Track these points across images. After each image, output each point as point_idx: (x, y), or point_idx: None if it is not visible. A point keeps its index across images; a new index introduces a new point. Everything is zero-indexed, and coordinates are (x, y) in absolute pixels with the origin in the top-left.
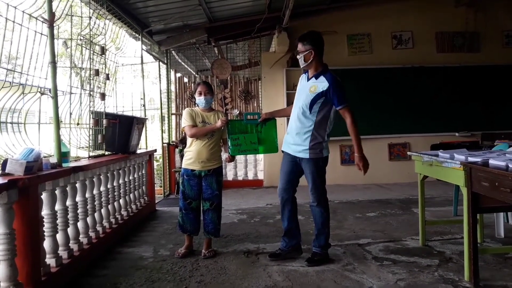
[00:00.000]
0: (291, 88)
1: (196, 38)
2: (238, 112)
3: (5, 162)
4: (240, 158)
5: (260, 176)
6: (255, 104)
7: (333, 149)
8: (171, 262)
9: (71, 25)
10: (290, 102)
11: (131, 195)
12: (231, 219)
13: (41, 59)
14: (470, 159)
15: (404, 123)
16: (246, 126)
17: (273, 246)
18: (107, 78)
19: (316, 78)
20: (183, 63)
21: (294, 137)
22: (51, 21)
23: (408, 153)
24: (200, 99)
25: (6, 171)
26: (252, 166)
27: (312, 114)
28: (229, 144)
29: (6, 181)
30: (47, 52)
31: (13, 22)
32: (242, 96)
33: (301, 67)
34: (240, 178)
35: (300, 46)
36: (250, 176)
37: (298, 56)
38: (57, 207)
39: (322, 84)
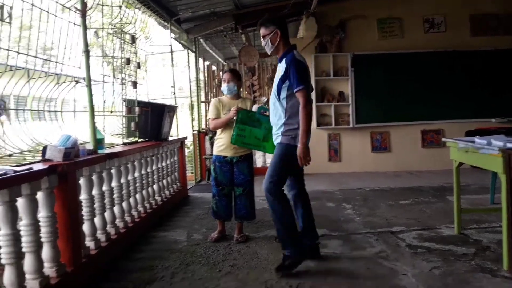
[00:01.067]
0: (319, 74)
1: (224, 25)
2: (266, 99)
3: (45, 148)
4: None
5: None
6: None
7: (364, 136)
8: (204, 246)
9: (102, 15)
10: (318, 88)
11: (164, 181)
12: (261, 205)
13: (74, 49)
14: (509, 145)
15: (437, 109)
16: (257, 120)
17: None
18: (138, 66)
19: (280, 61)
20: (211, 51)
21: (274, 127)
22: (83, 10)
23: (443, 139)
24: (223, 87)
25: (46, 157)
26: None
27: (282, 101)
28: (234, 132)
29: (46, 166)
30: (80, 42)
31: (48, 12)
32: (270, 83)
33: (269, 53)
34: (258, 165)
35: (263, 31)
36: None
37: (263, 43)
38: (94, 192)
39: (282, 66)
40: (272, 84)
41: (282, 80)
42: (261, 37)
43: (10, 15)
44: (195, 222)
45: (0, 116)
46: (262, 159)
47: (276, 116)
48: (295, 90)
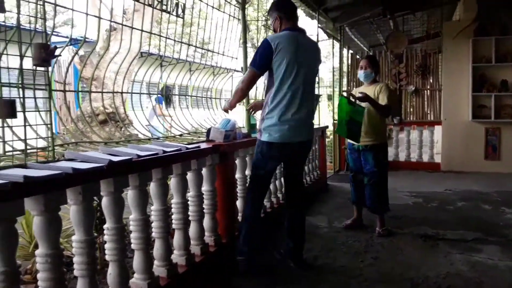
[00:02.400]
0: (478, 60)
1: (371, 11)
2: (413, 88)
3: (209, 130)
4: (414, 139)
5: (437, 159)
6: (433, 80)
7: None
8: (345, 235)
9: (258, 8)
10: (476, 76)
11: (306, 168)
12: (405, 201)
13: (228, 42)
14: None
15: None
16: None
17: (455, 234)
18: None
19: None
20: (355, 39)
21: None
22: (243, 3)
23: None
24: (359, 73)
25: (210, 138)
26: (428, 148)
27: (267, 90)
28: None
29: (210, 146)
30: (237, 35)
31: (212, 7)
32: (419, 71)
33: None
34: (413, 159)
35: (270, 20)
36: (425, 159)
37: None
38: (247, 172)
39: None
40: (422, 72)
41: None
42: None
43: (183, 11)
44: (335, 210)
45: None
46: (406, 152)
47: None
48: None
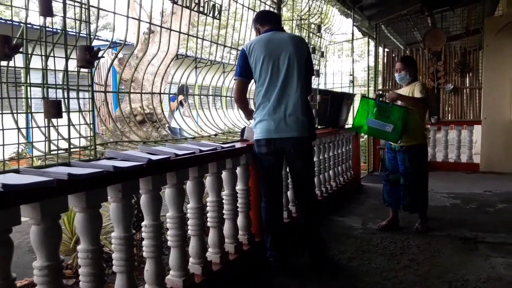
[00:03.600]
0: None
1: (408, 9)
2: (451, 86)
3: (243, 130)
4: (452, 139)
5: (476, 159)
6: (472, 78)
7: None
8: (380, 237)
9: (292, 7)
10: None
11: (339, 168)
12: (443, 202)
13: None
14: None
15: None
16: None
17: (496, 237)
18: (322, 55)
19: None
20: (391, 37)
21: None
22: (278, 3)
23: None
24: (395, 76)
25: (244, 137)
26: (466, 148)
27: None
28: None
29: (245, 145)
30: None
31: (248, 8)
32: (458, 69)
33: None
34: (451, 160)
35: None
36: (464, 159)
37: None
38: None
39: None
40: (461, 70)
41: None
42: None
43: (219, 12)
44: (369, 211)
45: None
46: (444, 152)
47: None
48: None
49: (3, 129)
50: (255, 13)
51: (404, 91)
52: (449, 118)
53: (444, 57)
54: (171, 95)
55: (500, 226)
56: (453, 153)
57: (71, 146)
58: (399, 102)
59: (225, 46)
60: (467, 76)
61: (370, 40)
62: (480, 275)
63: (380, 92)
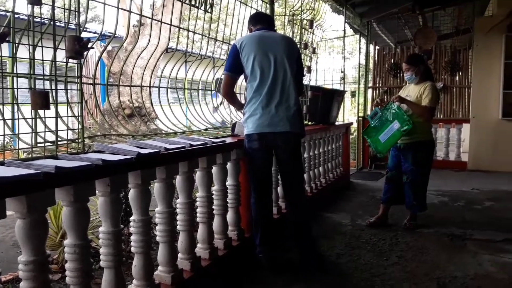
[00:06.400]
0: (510, 57)
1: (400, 7)
2: (442, 85)
3: (234, 125)
4: (441, 137)
5: (464, 158)
6: (462, 77)
7: None
8: (370, 233)
9: (285, 3)
10: (508, 73)
11: (329, 164)
12: (431, 200)
13: None
14: None
15: None
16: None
17: (483, 234)
18: (314, 51)
19: None
20: (382, 35)
21: None
22: None
23: None
24: (405, 76)
25: (235, 132)
26: (455, 146)
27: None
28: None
29: (235, 140)
30: None
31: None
32: (448, 68)
33: None
34: (439, 158)
35: None
36: (452, 157)
37: None
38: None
39: None
40: (451, 69)
41: None
42: None
43: (211, 6)
44: (359, 208)
45: None
46: (445, 151)
47: None
48: None
49: None
50: (246, 7)
51: (414, 90)
52: (439, 116)
53: (435, 55)
54: (212, 92)
55: (487, 223)
56: (441, 151)
57: (59, 139)
58: (404, 107)
59: (216, 40)
60: (457, 75)
61: (361, 37)
62: (468, 272)
63: (380, 98)
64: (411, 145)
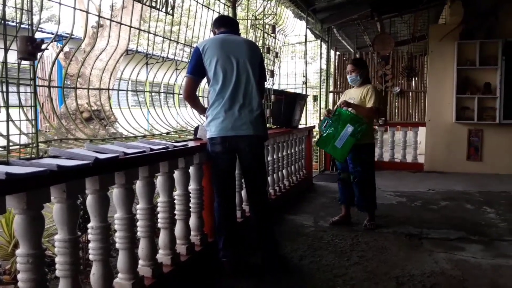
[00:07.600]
0: (462, 63)
1: (359, 13)
2: (399, 90)
3: (196, 128)
4: (398, 140)
5: (420, 159)
6: (418, 82)
7: None
8: (331, 234)
9: (247, 7)
10: (460, 78)
11: (292, 167)
12: (389, 201)
13: None
14: None
15: None
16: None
17: (439, 233)
18: (276, 56)
19: None
20: (342, 41)
21: None
22: (233, 1)
23: None
24: (348, 78)
25: (198, 136)
26: (412, 148)
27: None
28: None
29: (198, 144)
30: None
31: (202, 5)
32: (404, 73)
33: None
34: (397, 160)
35: None
36: (409, 159)
37: None
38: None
39: None
40: (408, 74)
41: None
42: None
43: (172, 8)
44: (321, 209)
45: None
46: (390, 153)
47: None
48: None
49: None
50: (209, 10)
51: (356, 92)
52: (396, 120)
53: (392, 61)
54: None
55: (443, 222)
56: (399, 153)
57: (10, 144)
58: (352, 111)
59: (178, 42)
60: (413, 80)
61: (322, 43)
62: (425, 270)
63: (328, 109)
64: (356, 147)
